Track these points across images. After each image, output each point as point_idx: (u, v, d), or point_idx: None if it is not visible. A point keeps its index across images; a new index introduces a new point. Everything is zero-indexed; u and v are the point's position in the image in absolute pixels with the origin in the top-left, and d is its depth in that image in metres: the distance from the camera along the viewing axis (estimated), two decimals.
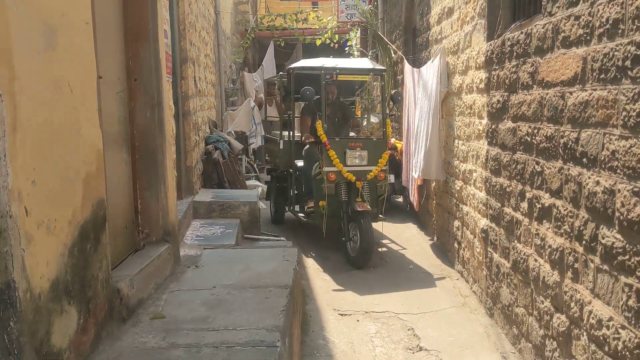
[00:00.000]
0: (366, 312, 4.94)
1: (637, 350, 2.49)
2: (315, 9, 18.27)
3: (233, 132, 10.39)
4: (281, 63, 15.98)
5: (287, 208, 7.76)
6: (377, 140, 6.58)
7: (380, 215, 6.61)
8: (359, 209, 5.99)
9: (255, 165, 10.99)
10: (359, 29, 11.59)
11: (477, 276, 5.05)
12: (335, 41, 12.53)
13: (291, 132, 7.17)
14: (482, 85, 4.77)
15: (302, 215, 6.99)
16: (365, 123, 8.47)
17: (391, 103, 7.04)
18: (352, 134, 7.18)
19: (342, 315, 4.92)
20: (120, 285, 2.70)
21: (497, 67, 4.38)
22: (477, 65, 4.89)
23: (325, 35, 12.30)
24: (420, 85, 6.56)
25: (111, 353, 2.40)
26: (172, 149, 4.07)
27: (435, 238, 6.85)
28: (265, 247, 5.35)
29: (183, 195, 6.36)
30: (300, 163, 6.98)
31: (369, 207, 6.10)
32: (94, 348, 2.40)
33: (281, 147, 7.47)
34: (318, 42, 12.31)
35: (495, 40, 4.43)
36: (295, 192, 7.13)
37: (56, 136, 2.12)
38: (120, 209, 3.16)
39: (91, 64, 2.45)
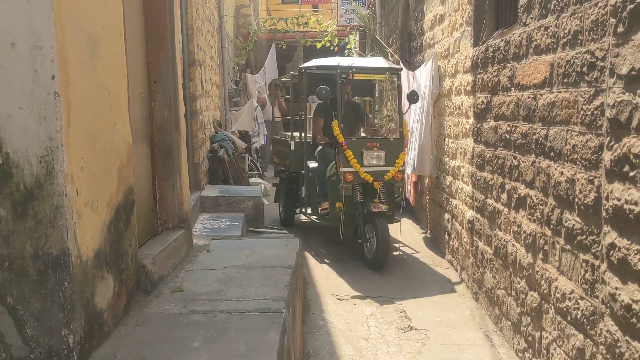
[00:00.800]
0: (362, 297, 5.35)
1: (592, 317, 2.89)
2: (315, 11, 18.71)
3: (236, 132, 10.82)
4: (282, 65, 16.41)
5: (297, 210, 7.74)
6: (394, 140, 6.48)
7: (395, 217, 6.56)
8: (374, 210, 5.93)
9: (258, 164, 11.41)
10: (358, 33, 12.01)
11: (465, 264, 5.46)
12: (335, 44, 12.96)
13: (303, 133, 7.14)
14: (469, 88, 5.17)
15: (316, 217, 6.94)
16: (381, 122, 8.45)
17: (407, 103, 6.85)
18: (363, 134, 7.16)
19: (339, 299, 5.33)
20: (145, 262, 3.10)
21: (481, 71, 4.78)
22: (465, 69, 5.30)
23: (326, 39, 12.73)
24: (415, 87, 6.96)
25: (140, 317, 2.80)
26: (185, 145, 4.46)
27: (428, 231, 7.25)
28: (270, 238, 5.75)
29: (191, 190, 6.75)
30: (312, 164, 6.87)
31: (384, 208, 6.03)
32: (125, 312, 2.81)
33: (292, 148, 7.38)
34: (318, 45, 12.75)
35: (480, 46, 4.84)
36: (308, 193, 7.02)
37: (98, 131, 2.53)
38: (141, 197, 3.56)
39: (123, 69, 2.86)
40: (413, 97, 6.32)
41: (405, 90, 7.43)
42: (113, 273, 2.65)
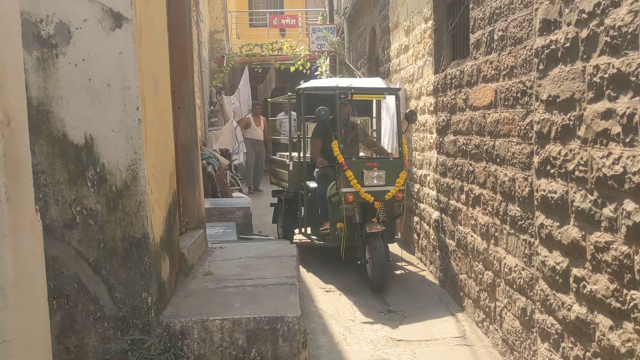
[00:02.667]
0: (346, 289, 6.20)
1: (530, 282, 3.82)
2: (282, 34, 19.73)
3: (218, 150, 11.61)
4: (254, 86, 17.27)
5: (296, 231, 7.69)
6: (394, 159, 6.42)
7: (396, 237, 6.64)
8: (370, 231, 5.91)
9: (237, 179, 12.21)
10: (328, 57, 13.01)
11: (433, 258, 6.38)
12: (307, 68, 13.95)
13: (302, 154, 7.15)
14: (431, 108, 6.14)
15: (316, 237, 6.90)
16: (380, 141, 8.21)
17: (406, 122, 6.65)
18: (361, 153, 7.25)
19: (327, 292, 6.18)
20: (183, 251, 3.91)
21: (442, 94, 5.76)
22: (428, 92, 6.27)
23: (299, 63, 13.71)
24: (384, 107, 7.91)
25: (186, 291, 3.61)
26: None
27: (399, 234, 8.17)
28: (266, 240, 6.58)
29: None
30: (312, 184, 6.82)
31: (380, 227, 5.98)
32: (174, 288, 3.61)
33: (291, 168, 7.34)
34: (292, 69, 13.72)
35: (440, 74, 5.81)
36: (307, 214, 6.98)
37: (158, 147, 3.36)
38: None
39: (169, 99, 3.69)
40: (412, 116, 6.36)
41: (387, 110, 7.88)
42: (168, 255, 3.46)
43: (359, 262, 6.20)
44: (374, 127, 8.17)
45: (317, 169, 6.70)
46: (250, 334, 3.07)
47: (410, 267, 6.93)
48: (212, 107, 14.57)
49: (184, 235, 4.46)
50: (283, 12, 21.20)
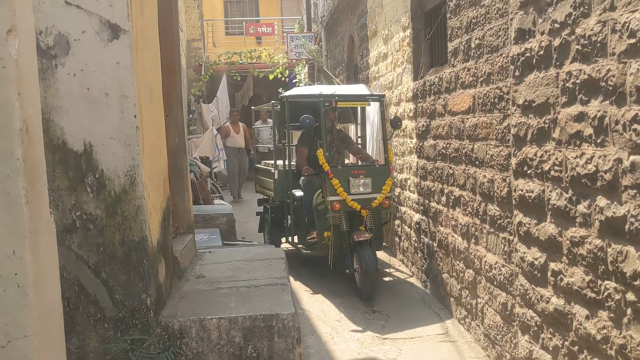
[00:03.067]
0: (332, 292, 6.34)
1: (510, 278, 4.01)
2: (259, 43, 19.88)
3: (198, 158, 11.69)
4: (232, 94, 17.38)
5: (282, 240, 7.60)
6: (380, 166, 6.40)
7: (384, 244, 6.63)
8: (357, 239, 5.88)
9: (218, 187, 12.30)
10: (307, 65, 13.19)
11: (414, 259, 6.57)
12: (285, 75, 14.13)
13: (287, 162, 7.08)
14: (411, 114, 6.34)
15: (303, 246, 6.85)
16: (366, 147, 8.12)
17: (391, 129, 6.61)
18: (347, 161, 7.26)
19: (312, 294, 6.31)
20: (176, 255, 4.02)
21: (421, 101, 5.96)
22: (407, 99, 6.47)
23: (277, 71, 13.88)
24: (369, 114, 8.10)
25: (181, 293, 3.72)
26: None
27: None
28: (251, 245, 6.69)
29: None
30: (298, 193, 6.80)
31: (367, 235, 5.93)
32: (170, 290, 3.72)
33: (276, 177, 7.29)
34: (271, 77, 13.88)
35: (419, 81, 6.02)
36: (294, 223, 6.94)
37: (153, 154, 3.47)
38: None
39: (162, 108, 3.81)
40: (397, 122, 6.37)
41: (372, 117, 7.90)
42: (163, 259, 3.57)
43: (347, 270, 6.13)
44: (359, 134, 8.17)
45: (302, 177, 6.68)
46: (246, 332, 3.20)
47: (392, 269, 7.11)
48: (190, 116, 14.64)
49: (175, 239, 4.55)
50: (259, 20, 21.36)
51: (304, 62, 13.23)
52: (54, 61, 3.02)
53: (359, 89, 7.13)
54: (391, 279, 6.74)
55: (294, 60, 14.45)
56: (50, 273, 2.07)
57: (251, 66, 15.25)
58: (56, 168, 3.05)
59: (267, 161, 8.60)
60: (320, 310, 5.77)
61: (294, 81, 14.03)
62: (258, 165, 8.89)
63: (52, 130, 3.03)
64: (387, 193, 6.16)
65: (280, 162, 7.35)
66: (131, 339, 3.13)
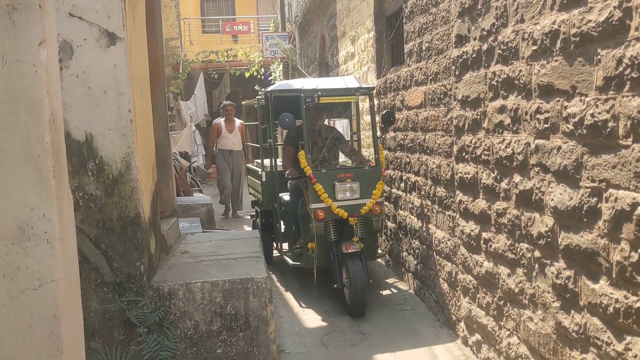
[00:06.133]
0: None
1: (454, 249, 4.65)
2: (235, 41, 20.39)
3: (177, 152, 12.19)
4: (210, 91, 17.88)
5: (274, 246, 7.05)
6: (369, 168, 5.70)
7: (379, 251, 6.16)
8: (346, 251, 5.26)
9: (197, 181, 12.81)
10: (281, 63, 13.76)
11: (379, 242, 7.18)
12: (261, 73, 14.68)
13: (274, 162, 6.48)
14: (375, 109, 6.94)
15: (290, 256, 6.24)
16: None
17: (382, 125, 5.96)
18: (341, 160, 6.63)
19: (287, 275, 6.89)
20: (163, 233, 4.57)
21: (383, 97, 6.57)
22: (372, 95, 7.07)
23: (253, 69, 14.43)
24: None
25: (168, 265, 4.27)
26: None
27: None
28: (229, 231, 7.24)
29: None
30: (286, 197, 6.30)
31: (358, 246, 5.33)
32: (158, 262, 4.27)
33: (263, 179, 6.76)
34: (247, 75, 14.44)
35: (382, 78, 6.63)
36: (281, 229, 6.45)
37: (144, 143, 4.02)
38: None
39: (150, 104, 4.36)
40: (389, 117, 5.76)
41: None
42: (154, 233, 4.13)
43: (335, 285, 5.45)
44: (354, 130, 7.41)
45: (290, 181, 6.14)
46: (226, 293, 3.77)
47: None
48: (169, 113, 15.11)
49: (161, 221, 5.10)
50: (235, 19, 21.84)
51: (279, 60, 13.79)
52: (59, 64, 3.55)
53: (349, 80, 6.21)
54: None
55: (269, 59, 15.01)
56: (70, 233, 2.62)
57: (228, 64, 15.76)
58: None
59: (259, 160, 7.74)
60: (293, 288, 6.34)
61: (269, 79, 14.59)
62: (249, 165, 8.42)
63: None
64: (377, 198, 5.51)
65: (267, 163, 6.80)
66: (127, 300, 3.67)
